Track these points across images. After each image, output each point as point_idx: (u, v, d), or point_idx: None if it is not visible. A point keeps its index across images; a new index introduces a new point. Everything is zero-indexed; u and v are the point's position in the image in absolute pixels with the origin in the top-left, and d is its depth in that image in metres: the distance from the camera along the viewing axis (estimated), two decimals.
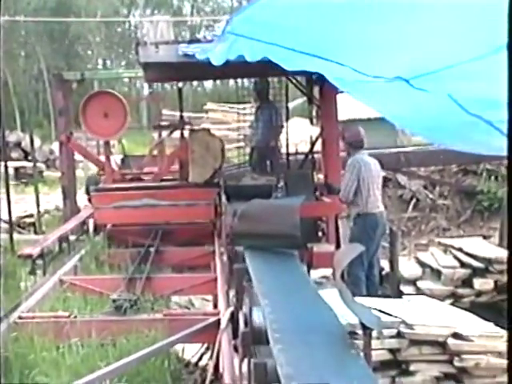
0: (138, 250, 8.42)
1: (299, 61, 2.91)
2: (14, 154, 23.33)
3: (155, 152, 11.92)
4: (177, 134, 10.68)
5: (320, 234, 9.66)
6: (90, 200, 10.19)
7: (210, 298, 8.39)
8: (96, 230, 9.61)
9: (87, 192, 10.63)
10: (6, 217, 9.99)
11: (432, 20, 2.44)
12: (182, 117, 10.70)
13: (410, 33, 2.56)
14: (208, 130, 10.47)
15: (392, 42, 2.65)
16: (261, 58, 2.96)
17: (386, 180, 16.11)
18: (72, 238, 9.06)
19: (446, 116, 2.97)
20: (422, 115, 3.21)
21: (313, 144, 10.53)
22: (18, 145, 24.75)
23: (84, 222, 10.10)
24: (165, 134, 12.02)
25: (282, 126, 10.38)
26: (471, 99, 2.73)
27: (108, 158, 10.37)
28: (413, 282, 10.62)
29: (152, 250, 8.31)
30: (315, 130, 10.50)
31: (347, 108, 11.36)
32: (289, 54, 2.78)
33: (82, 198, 12.18)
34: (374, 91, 2.89)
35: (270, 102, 10.45)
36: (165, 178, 10.34)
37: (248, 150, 11.18)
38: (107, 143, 10.51)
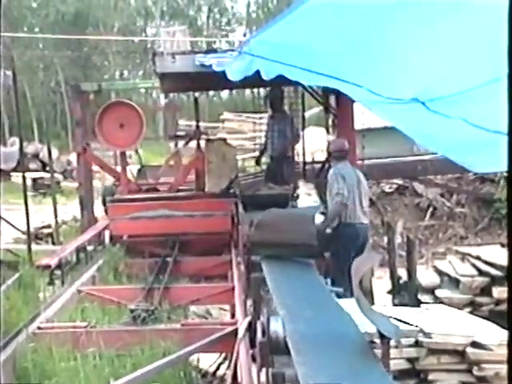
0: (155, 260, 8.44)
1: (316, 79, 2.93)
2: (31, 165, 23.56)
3: (171, 162, 11.80)
4: (193, 143, 10.63)
5: None
6: (106, 211, 10.24)
7: (227, 307, 8.38)
8: (112, 241, 9.52)
9: (103, 203, 10.65)
10: (24, 227, 10.01)
11: (447, 41, 2.46)
12: (198, 127, 10.66)
13: (425, 53, 2.58)
14: (224, 140, 10.46)
15: (408, 62, 2.67)
16: (276, 75, 2.99)
17: (402, 188, 16.16)
18: (90, 248, 9.07)
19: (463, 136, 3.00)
20: (441, 137, 3.22)
21: (329, 153, 10.49)
22: (35, 156, 24.99)
23: (101, 233, 10.05)
24: (181, 144, 11.97)
25: (298, 136, 10.34)
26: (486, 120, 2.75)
27: (124, 169, 10.29)
28: (431, 291, 10.57)
29: (169, 260, 8.33)
30: (332, 139, 10.47)
31: (363, 117, 11.33)
32: (305, 73, 2.80)
33: (99, 209, 12.16)
34: (392, 111, 2.92)
35: (283, 111, 10.40)
36: (181, 188, 10.29)
37: (264, 159, 11.14)
38: (123, 154, 10.42)
